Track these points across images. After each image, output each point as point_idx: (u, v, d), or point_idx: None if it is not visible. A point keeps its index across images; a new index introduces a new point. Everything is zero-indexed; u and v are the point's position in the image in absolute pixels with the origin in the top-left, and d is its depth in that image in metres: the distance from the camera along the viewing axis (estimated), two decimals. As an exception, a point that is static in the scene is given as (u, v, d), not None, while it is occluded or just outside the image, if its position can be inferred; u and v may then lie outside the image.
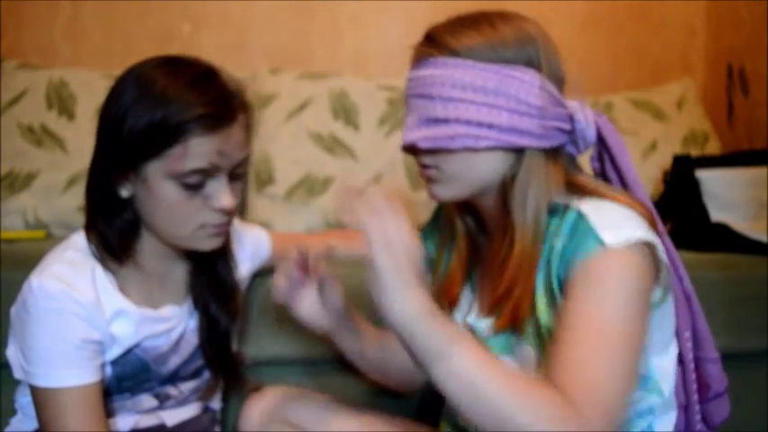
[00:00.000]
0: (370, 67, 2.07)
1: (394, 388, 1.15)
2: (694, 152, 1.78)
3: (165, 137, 0.86)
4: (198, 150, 0.87)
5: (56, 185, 1.70)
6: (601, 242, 0.79)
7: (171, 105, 0.86)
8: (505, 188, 0.87)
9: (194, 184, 0.88)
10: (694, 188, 1.59)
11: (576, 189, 0.88)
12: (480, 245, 0.99)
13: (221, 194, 0.90)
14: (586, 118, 0.90)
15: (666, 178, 1.69)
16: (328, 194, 1.72)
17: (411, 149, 0.90)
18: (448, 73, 0.84)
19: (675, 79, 2.05)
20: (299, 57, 2.10)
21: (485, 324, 0.94)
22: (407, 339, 0.73)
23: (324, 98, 1.82)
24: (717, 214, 1.55)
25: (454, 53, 0.85)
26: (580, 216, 0.82)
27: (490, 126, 0.84)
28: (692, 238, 1.53)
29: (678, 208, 1.61)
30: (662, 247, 0.84)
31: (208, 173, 0.89)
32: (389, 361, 1.09)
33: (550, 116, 0.86)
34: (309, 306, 1.01)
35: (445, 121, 0.85)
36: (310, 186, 1.72)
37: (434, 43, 0.87)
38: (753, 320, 1.25)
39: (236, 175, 0.93)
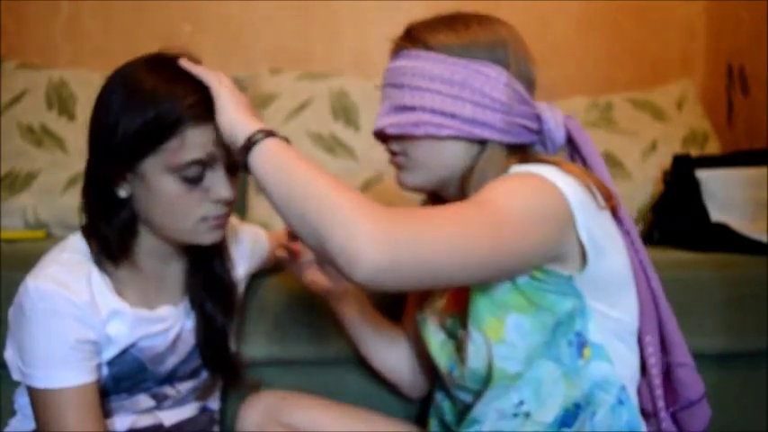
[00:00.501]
0: (370, 67, 2.06)
1: (389, 378, 1.15)
2: (694, 152, 1.78)
3: (160, 133, 0.86)
4: (194, 141, 0.87)
5: (56, 185, 1.70)
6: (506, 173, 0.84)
7: (162, 102, 0.86)
8: (466, 179, 0.90)
9: (193, 176, 0.89)
10: (694, 188, 1.59)
11: (533, 161, 0.89)
12: None
13: (221, 186, 0.90)
14: (555, 119, 0.92)
15: (666, 178, 1.68)
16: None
17: (381, 136, 0.95)
18: (419, 64, 0.89)
19: (675, 79, 2.04)
20: (299, 57, 2.10)
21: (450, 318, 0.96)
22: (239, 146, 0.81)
23: (324, 98, 1.82)
24: (717, 214, 1.55)
25: (427, 47, 0.90)
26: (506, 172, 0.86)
27: (453, 116, 0.87)
28: (692, 238, 1.53)
29: (678, 208, 1.61)
30: (578, 211, 0.81)
31: (206, 164, 0.89)
32: (381, 345, 1.12)
33: (515, 113, 0.89)
34: (306, 271, 1.09)
35: (411, 108, 0.89)
36: (310, 186, 1.72)
37: (410, 37, 0.93)
38: (753, 320, 1.25)
39: (234, 166, 0.93)
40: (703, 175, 1.60)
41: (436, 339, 0.98)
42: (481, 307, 0.85)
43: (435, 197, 0.99)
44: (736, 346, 1.24)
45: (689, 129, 1.87)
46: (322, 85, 1.85)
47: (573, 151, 0.95)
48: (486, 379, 0.88)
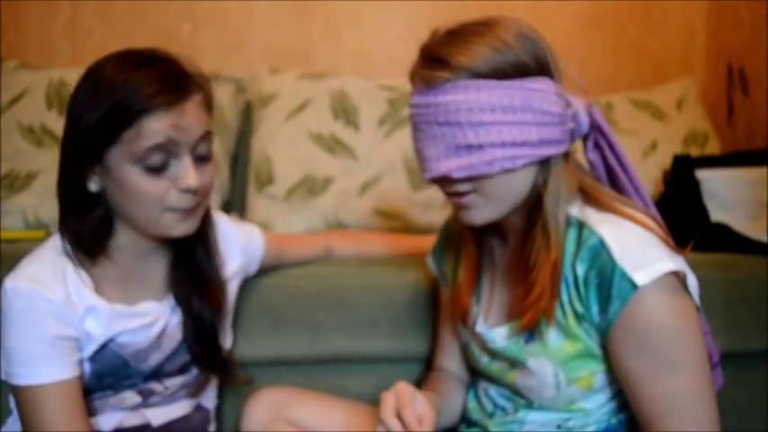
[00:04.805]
0: (370, 67, 2.07)
1: None
2: (694, 152, 1.78)
3: (118, 121, 0.87)
4: (153, 127, 0.87)
5: (55, 185, 1.70)
6: (634, 285, 0.82)
7: (119, 91, 0.87)
8: (533, 198, 0.88)
9: (156, 165, 0.88)
10: (694, 188, 1.59)
11: (584, 195, 0.89)
12: (491, 252, 0.99)
13: (186, 174, 0.90)
14: (580, 107, 0.90)
15: (666, 178, 1.68)
16: (328, 194, 1.72)
17: (440, 178, 0.87)
18: (472, 97, 0.82)
19: (676, 79, 2.05)
20: (299, 57, 2.10)
21: (498, 333, 0.95)
22: None
23: (324, 98, 1.82)
24: (717, 214, 1.55)
25: (473, 73, 0.82)
26: (602, 244, 0.84)
27: (523, 144, 0.83)
28: (692, 238, 1.53)
29: (678, 208, 1.61)
30: (687, 269, 0.87)
31: (167, 149, 0.88)
32: None
33: (567, 119, 0.87)
34: None
35: (479, 147, 0.82)
36: (310, 186, 1.72)
37: (447, 65, 0.82)
38: (753, 320, 1.25)
39: (201, 156, 0.92)
40: (703, 175, 1.60)
41: (481, 361, 1.00)
42: (578, 363, 0.89)
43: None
44: (736, 346, 1.24)
45: (689, 129, 1.87)
46: (322, 85, 1.85)
47: (598, 136, 0.92)
48: (549, 407, 0.93)
